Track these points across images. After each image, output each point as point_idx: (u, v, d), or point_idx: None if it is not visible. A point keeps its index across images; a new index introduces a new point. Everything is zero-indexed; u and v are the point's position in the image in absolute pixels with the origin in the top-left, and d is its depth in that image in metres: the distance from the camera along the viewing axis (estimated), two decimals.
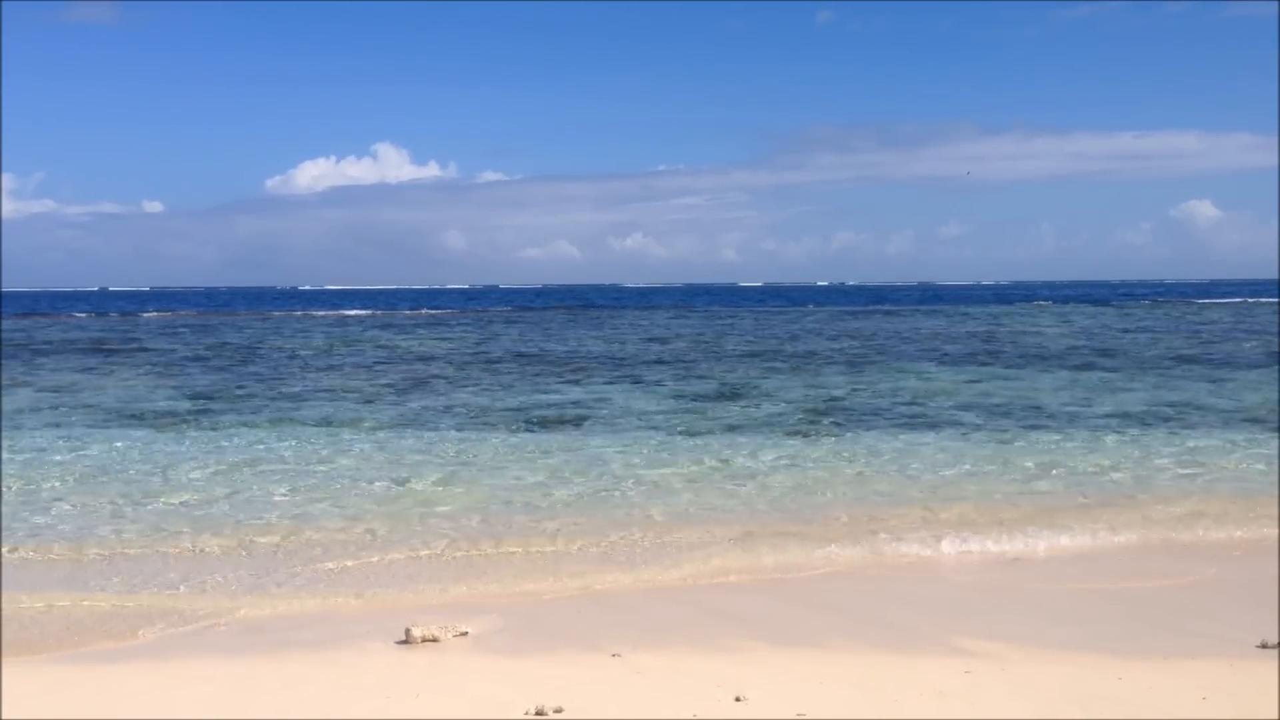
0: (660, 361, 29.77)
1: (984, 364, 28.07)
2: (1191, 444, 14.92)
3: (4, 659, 6.83)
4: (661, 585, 8.74)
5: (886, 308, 74.46)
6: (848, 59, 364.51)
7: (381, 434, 16.43)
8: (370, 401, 20.67)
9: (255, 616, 7.95)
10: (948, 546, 9.79)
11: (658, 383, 23.73)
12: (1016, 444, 15.10)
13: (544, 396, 21.40)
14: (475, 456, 14.39)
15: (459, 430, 16.86)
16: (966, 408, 18.91)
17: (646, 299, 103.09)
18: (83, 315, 68.09)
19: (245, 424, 17.49)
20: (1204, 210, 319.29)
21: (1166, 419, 17.38)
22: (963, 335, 41.05)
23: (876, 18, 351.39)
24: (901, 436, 15.76)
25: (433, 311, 74.20)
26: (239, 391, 22.53)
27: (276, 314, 70.98)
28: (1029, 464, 13.57)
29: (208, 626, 7.72)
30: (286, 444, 15.40)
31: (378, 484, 12.63)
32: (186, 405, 20.07)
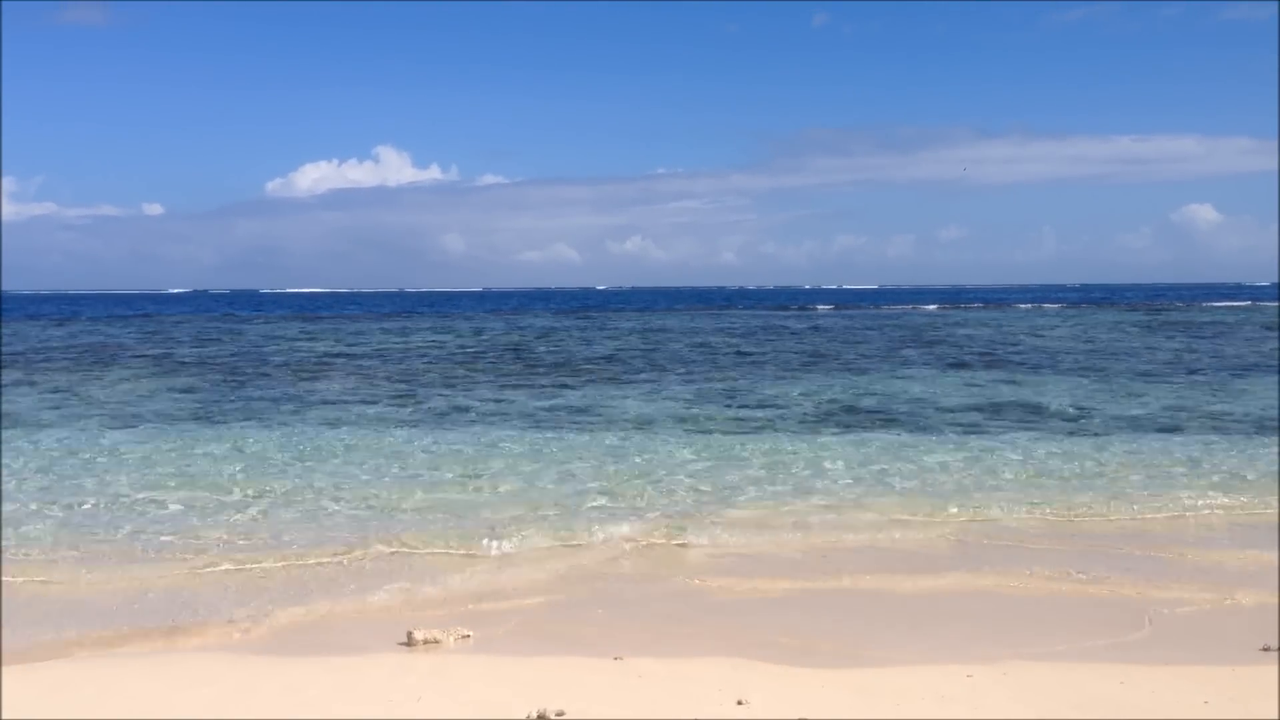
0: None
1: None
2: (1190, 445, 14.95)
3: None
4: (663, 588, 8.75)
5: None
6: (844, 62, 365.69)
7: (393, 434, 16.44)
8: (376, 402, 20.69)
9: (255, 618, 7.95)
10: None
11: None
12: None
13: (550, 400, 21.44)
14: (484, 455, 14.40)
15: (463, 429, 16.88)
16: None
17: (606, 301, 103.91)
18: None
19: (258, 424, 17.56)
20: (1204, 214, 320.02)
21: (1169, 423, 17.45)
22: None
23: (872, 21, 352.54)
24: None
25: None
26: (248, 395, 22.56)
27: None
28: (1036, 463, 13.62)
29: (209, 628, 7.72)
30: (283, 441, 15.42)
31: (377, 483, 12.62)
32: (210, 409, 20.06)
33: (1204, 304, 77.99)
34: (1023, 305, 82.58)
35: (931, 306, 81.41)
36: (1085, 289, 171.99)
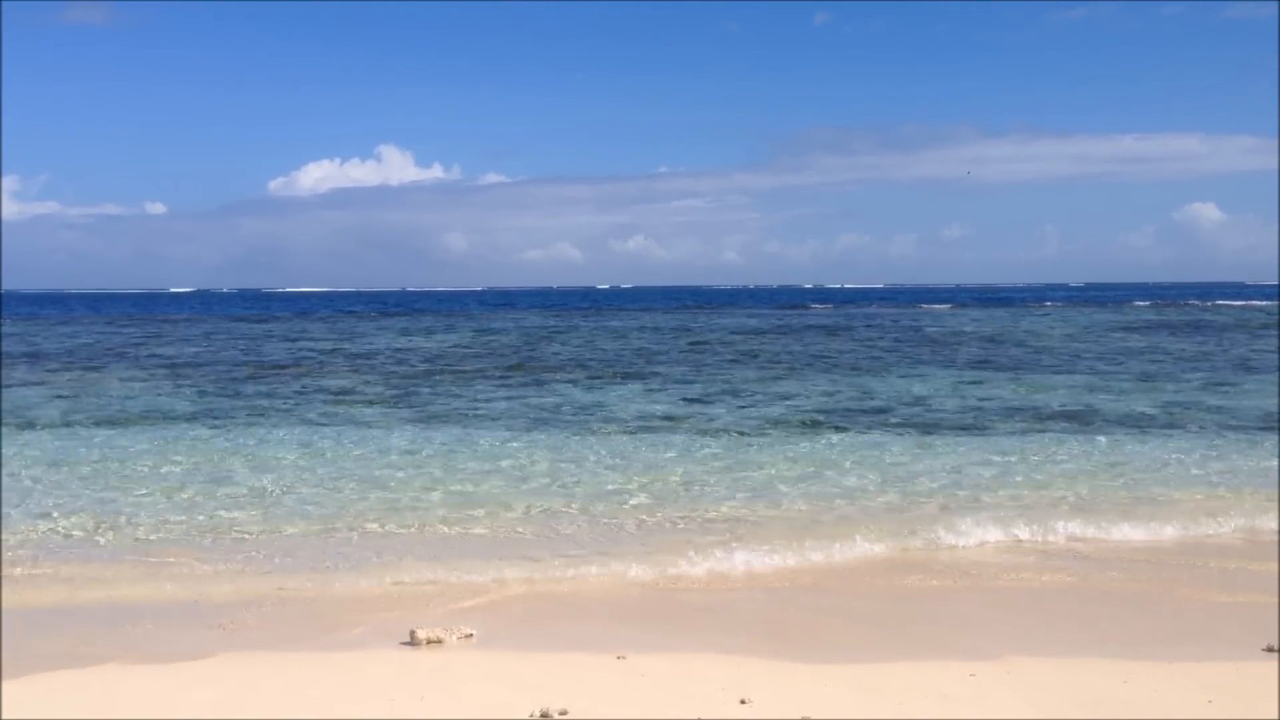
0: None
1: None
2: (1194, 446, 14.94)
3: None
4: (665, 586, 8.75)
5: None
6: (846, 61, 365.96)
7: (400, 432, 16.46)
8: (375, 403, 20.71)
9: (258, 619, 7.96)
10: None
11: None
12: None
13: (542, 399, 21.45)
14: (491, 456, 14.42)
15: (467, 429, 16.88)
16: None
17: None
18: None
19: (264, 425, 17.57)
20: (1207, 213, 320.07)
21: (1174, 422, 17.45)
22: None
23: (873, 20, 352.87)
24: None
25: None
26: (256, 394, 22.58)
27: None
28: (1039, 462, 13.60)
29: (211, 629, 7.73)
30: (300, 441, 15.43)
31: (378, 485, 12.63)
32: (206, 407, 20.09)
33: (1216, 303, 77.96)
34: (1044, 304, 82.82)
35: (944, 306, 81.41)
36: (1087, 288, 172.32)
